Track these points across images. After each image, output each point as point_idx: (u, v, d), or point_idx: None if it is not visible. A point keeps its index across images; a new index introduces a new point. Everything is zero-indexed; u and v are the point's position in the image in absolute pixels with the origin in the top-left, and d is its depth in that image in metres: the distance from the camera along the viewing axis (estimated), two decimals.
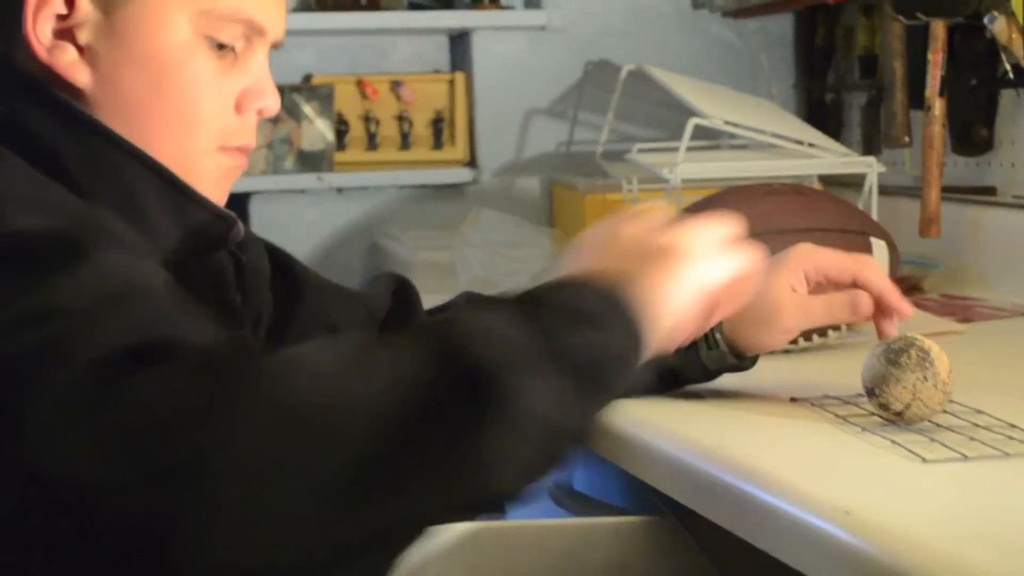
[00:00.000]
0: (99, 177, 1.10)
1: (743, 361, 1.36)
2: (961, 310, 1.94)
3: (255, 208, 2.55)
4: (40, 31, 1.10)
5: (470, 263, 2.19)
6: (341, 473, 0.80)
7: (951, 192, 2.15)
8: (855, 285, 1.32)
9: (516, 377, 0.85)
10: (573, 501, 1.51)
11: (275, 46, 1.19)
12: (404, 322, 1.38)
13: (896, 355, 1.21)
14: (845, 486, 1.03)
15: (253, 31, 1.15)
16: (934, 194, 2.10)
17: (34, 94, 1.11)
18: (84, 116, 1.11)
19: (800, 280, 1.32)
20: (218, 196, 1.17)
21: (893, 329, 1.31)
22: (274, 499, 0.79)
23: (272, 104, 1.17)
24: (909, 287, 2.10)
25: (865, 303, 1.30)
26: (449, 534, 1.23)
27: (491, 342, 0.87)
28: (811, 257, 1.33)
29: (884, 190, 2.35)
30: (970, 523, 0.95)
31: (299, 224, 2.57)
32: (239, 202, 2.55)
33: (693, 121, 2.03)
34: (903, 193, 2.30)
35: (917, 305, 1.94)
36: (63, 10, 1.09)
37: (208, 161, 1.15)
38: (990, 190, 2.16)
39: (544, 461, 0.88)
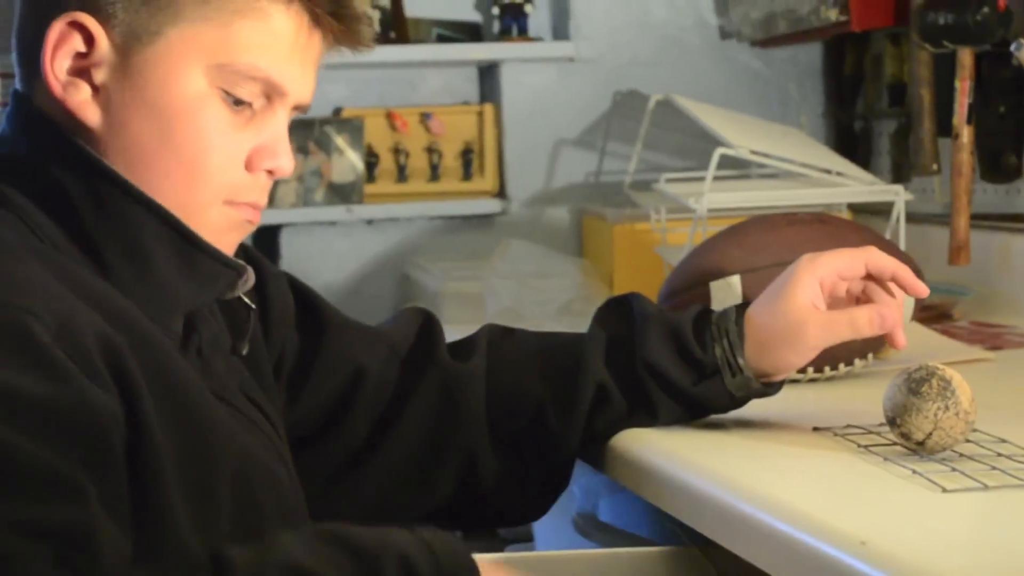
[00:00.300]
0: (106, 222, 1.10)
1: (769, 386, 1.35)
2: (991, 338, 1.93)
3: (285, 240, 2.57)
4: (58, 67, 1.10)
5: (498, 294, 2.20)
6: None
7: (980, 219, 2.14)
8: (869, 275, 1.32)
9: None
10: (597, 531, 1.51)
11: (300, 109, 1.17)
12: (425, 358, 1.38)
13: (918, 384, 1.21)
14: (862, 516, 1.03)
15: (273, 90, 1.13)
16: (963, 221, 2.09)
17: (50, 136, 1.11)
18: (94, 160, 1.10)
19: (817, 293, 1.31)
20: (224, 247, 1.15)
21: (902, 338, 1.30)
22: None
23: (285, 166, 1.15)
24: (939, 315, 2.09)
25: (888, 316, 1.30)
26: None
27: None
28: (819, 264, 1.32)
29: (914, 218, 2.35)
30: (986, 553, 0.94)
31: (329, 256, 2.58)
32: (270, 235, 2.57)
33: (719, 151, 2.03)
34: (933, 221, 2.29)
35: (946, 333, 1.94)
36: (82, 48, 1.10)
37: (213, 212, 1.13)
38: (1020, 217, 2.15)
39: None
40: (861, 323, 1.30)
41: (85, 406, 0.96)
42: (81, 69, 1.11)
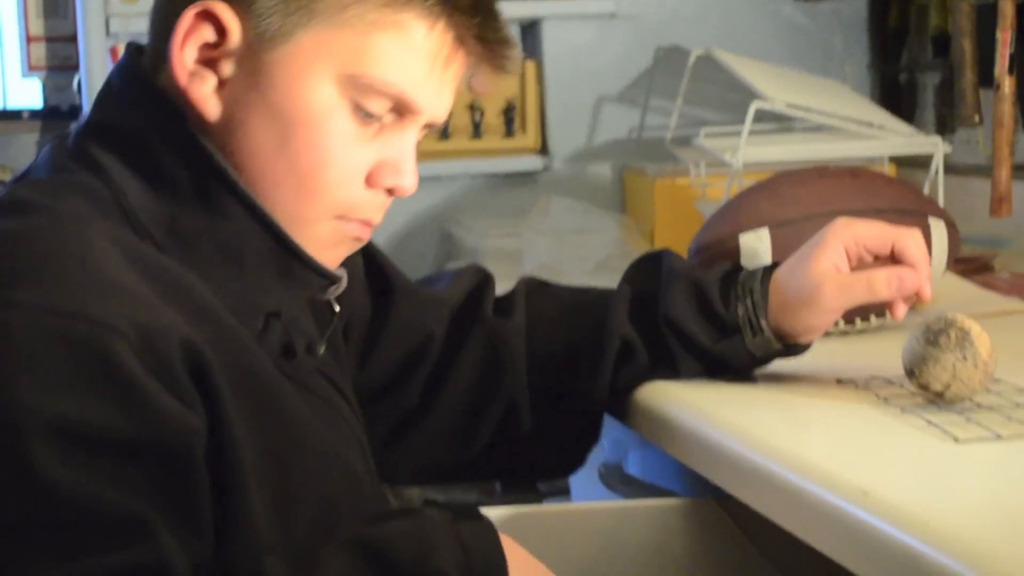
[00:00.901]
0: (207, 218, 1.06)
1: (792, 348, 1.34)
2: None
3: None
4: (187, 55, 1.05)
5: (536, 249, 2.20)
6: None
7: (1021, 170, 2.11)
8: (893, 256, 1.30)
9: None
10: (622, 483, 1.52)
11: (431, 127, 1.12)
12: (472, 316, 1.39)
13: (935, 336, 1.20)
14: (869, 466, 1.03)
15: (405, 108, 1.07)
16: (1004, 173, 2.06)
17: (168, 119, 1.07)
18: (207, 153, 1.05)
19: (841, 256, 1.30)
20: (329, 261, 1.11)
21: (902, 311, 1.29)
22: None
23: (408, 185, 1.09)
24: (979, 267, 2.07)
25: (909, 280, 1.28)
26: (489, 517, 1.24)
27: None
28: (848, 230, 1.31)
29: (957, 170, 2.33)
30: (988, 502, 0.94)
31: None
32: None
33: (755, 104, 2.02)
34: (976, 173, 2.27)
35: (986, 285, 1.92)
36: (213, 38, 1.05)
37: (322, 227, 1.08)
38: None
39: None
40: (879, 285, 1.28)
41: (165, 430, 0.92)
42: (209, 60, 1.06)
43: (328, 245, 1.10)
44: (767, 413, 1.23)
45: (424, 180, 2.56)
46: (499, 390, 1.36)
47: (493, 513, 1.25)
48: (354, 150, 1.06)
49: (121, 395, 0.91)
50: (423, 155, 2.57)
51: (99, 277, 0.95)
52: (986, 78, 2.12)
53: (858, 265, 1.32)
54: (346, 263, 1.18)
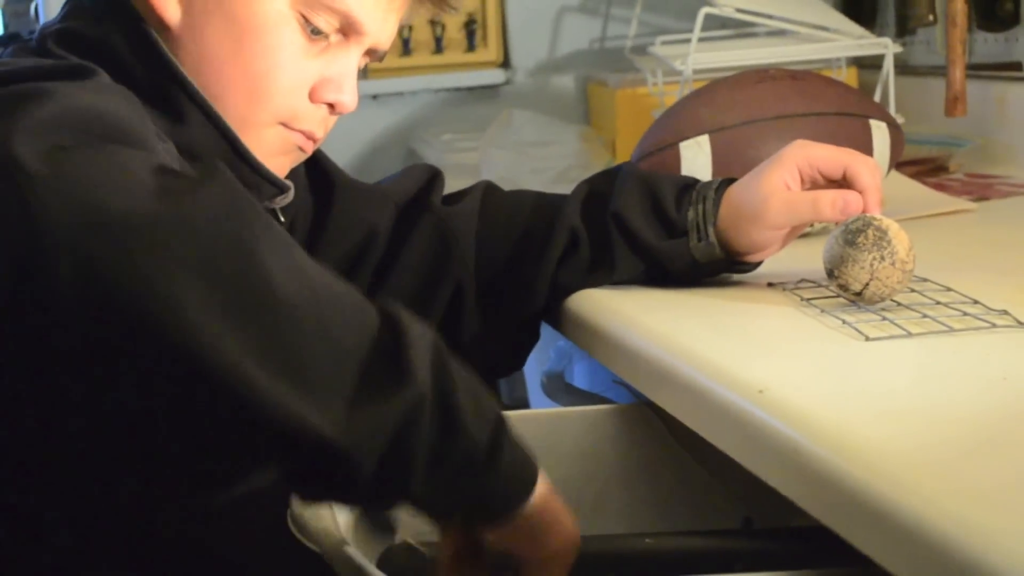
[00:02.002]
0: (166, 121, 1.12)
1: (737, 263, 1.34)
2: (981, 188, 1.92)
3: None
4: None
5: (494, 163, 2.21)
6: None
7: (978, 69, 2.11)
8: (845, 178, 1.30)
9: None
10: (563, 393, 1.53)
11: (374, 54, 1.20)
12: (420, 206, 1.41)
13: (853, 236, 1.21)
14: (773, 367, 1.04)
15: (350, 27, 1.16)
16: (959, 72, 2.06)
17: (128, 22, 1.13)
18: (167, 58, 1.13)
19: (794, 176, 1.30)
20: (276, 168, 1.18)
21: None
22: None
23: (347, 102, 1.17)
24: (935, 168, 2.08)
25: (853, 203, 1.27)
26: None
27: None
28: (804, 151, 1.31)
29: (917, 71, 2.33)
30: (882, 400, 0.95)
31: (335, 133, 2.52)
32: None
33: (704, 10, 2.01)
34: (935, 73, 2.26)
35: (939, 186, 1.93)
36: None
37: (269, 132, 1.16)
38: (1016, 65, 2.11)
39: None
40: (823, 205, 1.27)
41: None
42: None
43: (274, 152, 1.17)
44: (691, 319, 1.24)
45: (387, 96, 2.60)
46: (446, 275, 1.38)
47: None
48: (301, 62, 1.14)
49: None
50: (386, 71, 2.60)
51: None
52: None
53: (811, 186, 1.31)
54: (291, 172, 1.26)
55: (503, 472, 0.88)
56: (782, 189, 1.30)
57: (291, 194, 1.21)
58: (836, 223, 1.27)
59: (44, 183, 0.81)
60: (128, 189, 0.82)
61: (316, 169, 1.40)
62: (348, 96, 1.17)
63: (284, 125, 1.16)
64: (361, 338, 0.84)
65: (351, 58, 1.17)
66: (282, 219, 1.24)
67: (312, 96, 1.16)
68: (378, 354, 0.84)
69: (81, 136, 0.88)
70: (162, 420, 0.80)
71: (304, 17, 1.14)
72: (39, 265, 0.80)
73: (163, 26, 1.13)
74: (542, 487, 0.92)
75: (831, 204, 1.28)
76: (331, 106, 1.18)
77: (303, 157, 1.20)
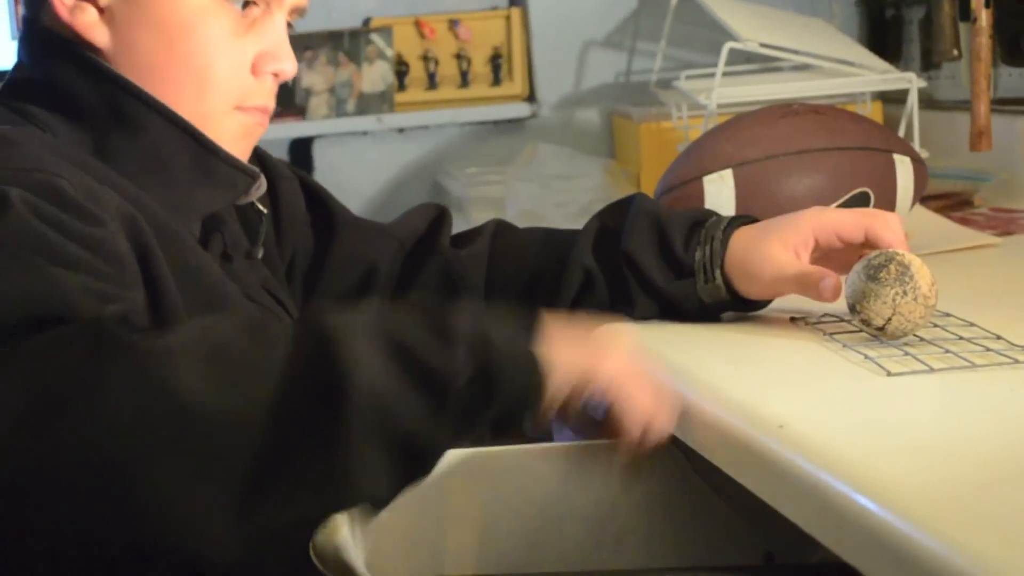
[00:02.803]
0: (126, 132, 1.15)
1: (744, 302, 1.33)
2: (1005, 223, 1.91)
3: (318, 152, 2.60)
4: None
5: (519, 196, 2.22)
6: (212, 480, 0.84)
7: (1002, 104, 2.11)
8: (867, 240, 1.28)
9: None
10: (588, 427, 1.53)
11: (297, 12, 1.23)
12: (428, 247, 1.41)
13: (876, 271, 1.21)
14: (795, 401, 1.04)
15: None
16: (983, 107, 2.06)
17: (62, 53, 1.16)
18: (110, 72, 1.15)
19: (807, 243, 1.29)
20: (239, 153, 1.21)
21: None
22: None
23: (288, 68, 1.21)
24: (960, 202, 2.07)
25: (828, 290, 1.24)
26: (444, 460, 1.26)
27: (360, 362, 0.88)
28: (820, 218, 1.29)
29: (941, 105, 2.33)
30: (902, 435, 0.95)
31: (362, 166, 2.62)
32: (303, 147, 2.60)
33: (728, 45, 2.02)
34: (960, 108, 2.26)
35: (963, 220, 1.93)
36: None
37: (227, 121, 1.19)
38: None
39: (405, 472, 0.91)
40: (808, 285, 1.26)
41: (119, 246, 1.02)
42: None
43: (236, 138, 1.19)
44: (712, 352, 1.24)
45: (413, 130, 2.62)
46: None
47: (448, 455, 1.27)
48: (235, 44, 1.18)
49: (79, 213, 1.00)
50: (412, 105, 2.62)
51: (43, 156, 1.05)
52: (965, 12, 2.12)
53: (827, 251, 1.30)
54: (287, 198, 1.35)
55: (503, 374, 0.92)
56: (780, 250, 1.29)
57: (263, 183, 1.23)
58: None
59: None
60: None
61: (318, 206, 1.41)
62: (287, 63, 1.20)
63: (239, 108, 1.18)
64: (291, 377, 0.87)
65: (278, 25, 1.20)
66: (264, 210, 1.27)
67: (254, 71, 1.19)
68: (308, 393, 0.87)
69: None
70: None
71: None
72: None
73: (95, 49, 1.15)
74: (549, 340, 0.96)
75: (814, 286, 1.26)
76: (275, 75, 1.21)
77: (263, 132, 1.23)
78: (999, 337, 1.19)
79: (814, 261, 1.31)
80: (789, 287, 1.29)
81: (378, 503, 0.94)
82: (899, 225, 1.30)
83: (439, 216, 1.46)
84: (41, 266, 0.93)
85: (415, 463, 0.91)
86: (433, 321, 0.93)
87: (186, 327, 0.91)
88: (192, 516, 0.84)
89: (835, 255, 1.30)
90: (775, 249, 1.29)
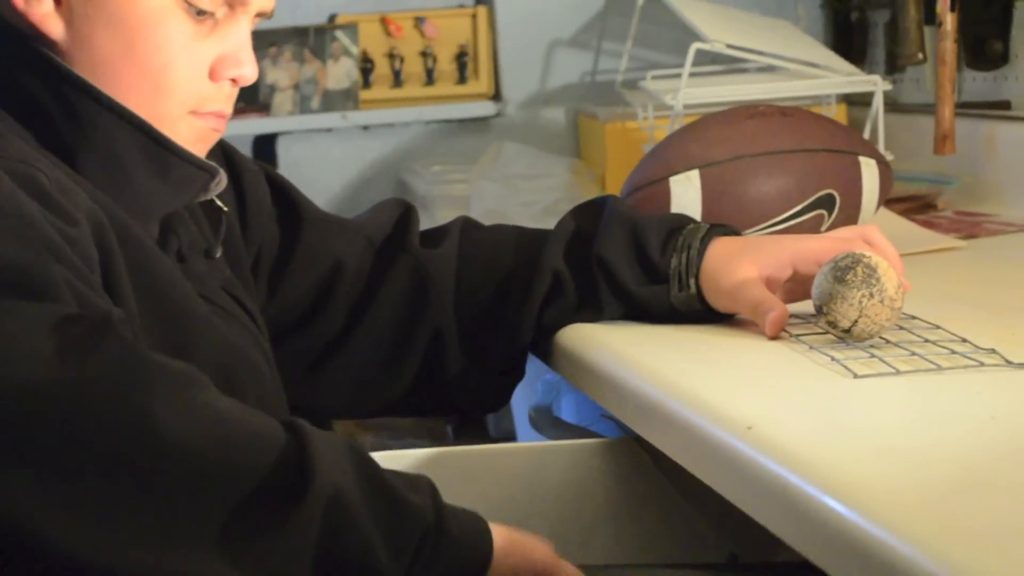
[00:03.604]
0: (79, 129, 1.12)
1: (715, 314, 1.32)
2: (969, 226, 1.92)
3: (283, 148, 2.59)
4: None
5: (484, 195, 2.21)
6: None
7: (967, 108, 2.12)
8: None
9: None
10: (550, 426, 1.53)
11: (263, 15, 1.19)
12: (397, 245, 1.41)
13: (843, 273, 1.21)
14: (761, 403, 1.04)
15: (235, 0, 1.15)
16: (947, 110, 2.07)
17: (16, 46, 1.13)
18: (63, 69, 1.12)
19: (780, 269, 1.29)
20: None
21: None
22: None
23: (248, 74, 1.17)
24: (923, 205, 2.08)
25: (769, 324, 1.24)
26: (407, 459, 1.26)
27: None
28: (798, 246, 1.30)
29: (905, 108, 2.34)
30: (868, 437, 0.96)
31: (327, 163, 2.60)
32: (267, 143, 2.59)
33: (695, 46, 2.02)
34: (924, 111, 2.27)
35: (927, 223, 1.94)
36: None
37: (181, 125, 1.16)
38: (1005, 104, 2.12)
39: None
40: (759, 314, 1.26)
41: (90, 249, 1.01)
42: None
43: (190, 142, 1.16)
44: (679, 353, 1.24)
45: (377, 127, 2.61)
46: (424, 319, 1.37)
47: (412, 455, 1.27)
48: (194, 47, 1.14)
49: (53, 209, 0.99)
50: (377, 103, 2.61)
51: (24, 149, 1.05)
52: (930, 15, 2.13)
53: (806, 278, 1.28)
54: (253, 192, 1.33)
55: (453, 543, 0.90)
56: (750, 278, 1.28)
57: (223, 179, 1.21)
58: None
59: None
60: (22, 358, 0.86)
61: (284, 201, 1.40)
62: (248, 68, 1.17)
63: (194, 113, 1.16)
64: (251, 480, 0.87)
65: (242, 29, 1.16)
66: (224, 208, 1.25)
67: (212, 76, 1.15)
68: (265, 501, 0.87)
69: None
70: None
71: (187, 2, 1.13)
72: None
73: (49, 43, 1.12)
74: (500, 533, 0.93)
75: (764, 318, 1.25)
76: (233, 80, 1.17)
77: (218, 136, 1.21)
78: (964, 340, 1.20)
79: (794, 286, 1.31)
80: (744, 309, 1.29)
81: None
82: (879, 237, 1.30)
83: (406, 212, 1.45)
84: (33, 239, 0.94)
85: None
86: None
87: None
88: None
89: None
90: (745, 269, 1.29)
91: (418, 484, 0.93)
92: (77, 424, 0.84)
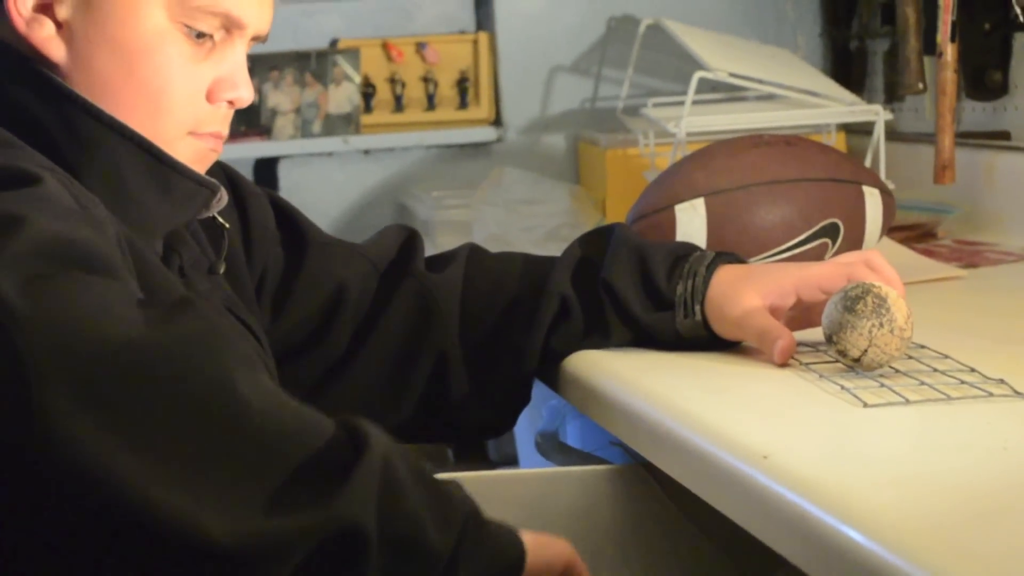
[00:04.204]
0: (80, 148, 1.14)
1: (721, 342, 1.33)
2: (969, 255, 1.93)
3: (284, 172, 2.60)
4: (21, 3, 1.14)
5: (486, 220, 2.22)
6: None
7: (967, 137, 2.13)
8: None
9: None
10: (557, 452, 1.54)
11: (258, 39, 1.22)
12: (402, 270, 1.41)
13: (853, 302, 1.22)
14: (775, 432, 1.05)
15: (232, 24, 1.18)
16: (947, 140, 2.08)
17: (16, 66, 1.15)
18: (64, 89, 1.14)
19: (784, 297, 1.30)
20: None
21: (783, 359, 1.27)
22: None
23: (244, 96, 1.20)
24: (923, 234, 2.10)
25: (778, 352, 1.25)
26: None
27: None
28: (802, 273, 1.31)
29: (904, 137, 2.35)
30: (881, 466, 0.96)
31: (327, 187, 2.61)
32: (268, 166, 2.60)
33: (698, 74, 2.04)
34: (924, 140, 2.29)
35: (927, 252, 1.95)
36: None
37: (180, 145, 1.18)
38: (1004, 135, 2.14)
39: None
40: (766, 342, 1.27)
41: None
42: (44, 5, 1.15)
43: (188, 162, 1.19)
44: (689, 380, 1.25)
45: (378, 152, 2.62)
46: (428, 344, 1.38)
47: None
48: (193, 70, 1.17)
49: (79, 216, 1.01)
50: (378, 127, 2.62)
51: (43, 161, 1.08)
52: (930, 45, 2.14)
53: (811, 305, 1.31)
54: (257, 216, 1.34)
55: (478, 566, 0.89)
56: (755, 306, 1.29)
57: (224, 196, 1.23)
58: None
59: (29, 321, 0.85)
60: (120, 319, 0.87)
61: (288, 224, 1.41)
62: (244, 90, 1.19)
63: (192, 134, 1.18)
64: (316, 444, 0.87)
65: (238, 53, 1.19)
66: (227, 225, 1.27)
67: (210, 97, 1.19)
68: (327, 464, 0.87)
69: (57, 267, 0.91)
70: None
71: (186, 25, 1.16)
72: (29, 398, 0.83)
73: (50, 65, 1.15)
74: (535, 551, 0.93)
75: (772, 345, 1.26)
76: (230, 102, 1.20)
77: (216, 156, 1.23)
78: (973, 370, 1.20)
79: (798, 313, 1.32)
80: (751, 337, 1.30)
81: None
82: (881, 262, 1.32)
83: (411, 238, 1.46)
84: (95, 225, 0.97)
85: None
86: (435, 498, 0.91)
87: None
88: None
89: (819, 307, 1.29)
90: (750, 297, 1.30)
91: (452, 482, 0.93)
92: (166, 380, 0.85)
